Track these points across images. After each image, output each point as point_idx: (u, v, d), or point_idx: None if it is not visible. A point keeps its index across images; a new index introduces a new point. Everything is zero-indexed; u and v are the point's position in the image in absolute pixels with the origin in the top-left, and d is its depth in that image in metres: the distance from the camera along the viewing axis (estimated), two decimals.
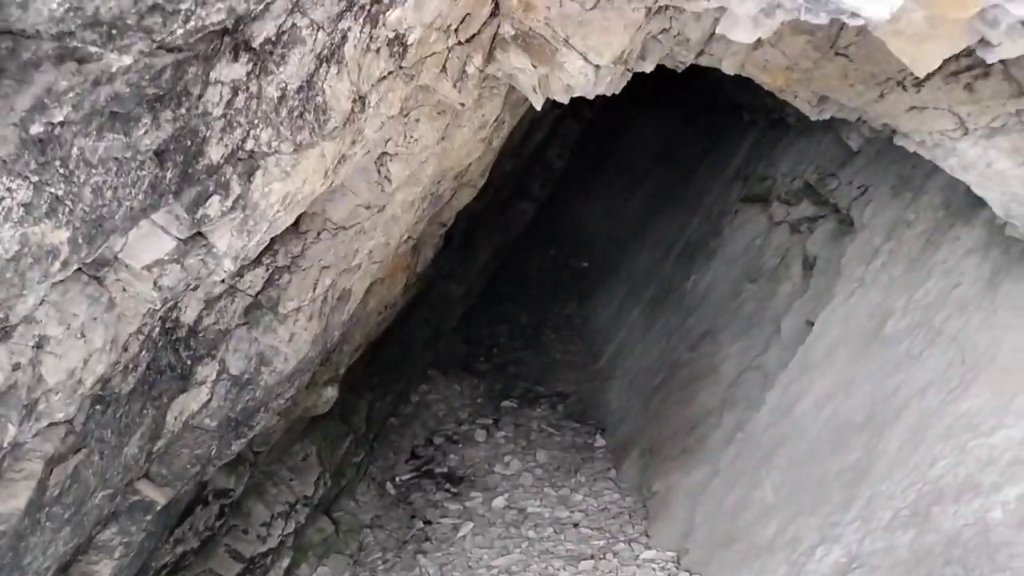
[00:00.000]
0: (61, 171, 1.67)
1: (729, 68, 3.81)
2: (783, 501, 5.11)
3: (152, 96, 1.74)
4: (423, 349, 9.77)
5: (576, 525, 6.89)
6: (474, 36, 2.84)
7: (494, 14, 2.83)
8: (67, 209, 1.71)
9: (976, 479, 3.73)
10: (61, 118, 1.60)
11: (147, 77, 1.70)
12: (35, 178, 1.62)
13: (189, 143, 1.92)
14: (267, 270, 3.09)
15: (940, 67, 3.62)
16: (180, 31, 1.68)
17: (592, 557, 6.19)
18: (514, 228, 11.88)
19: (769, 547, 4.97)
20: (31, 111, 1.54)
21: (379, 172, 3.18)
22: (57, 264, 1.76)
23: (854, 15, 1.84)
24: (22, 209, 1.62)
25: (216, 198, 2.12)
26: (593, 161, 16.95)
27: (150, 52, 1.65)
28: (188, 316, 2.74)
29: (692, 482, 6.58)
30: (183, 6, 1.65)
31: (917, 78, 3.73)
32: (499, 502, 7.48)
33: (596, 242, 16.18)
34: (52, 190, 1.67)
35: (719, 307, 9.06)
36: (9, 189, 1.57)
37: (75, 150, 1.67)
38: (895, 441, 4.45)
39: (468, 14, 2.66)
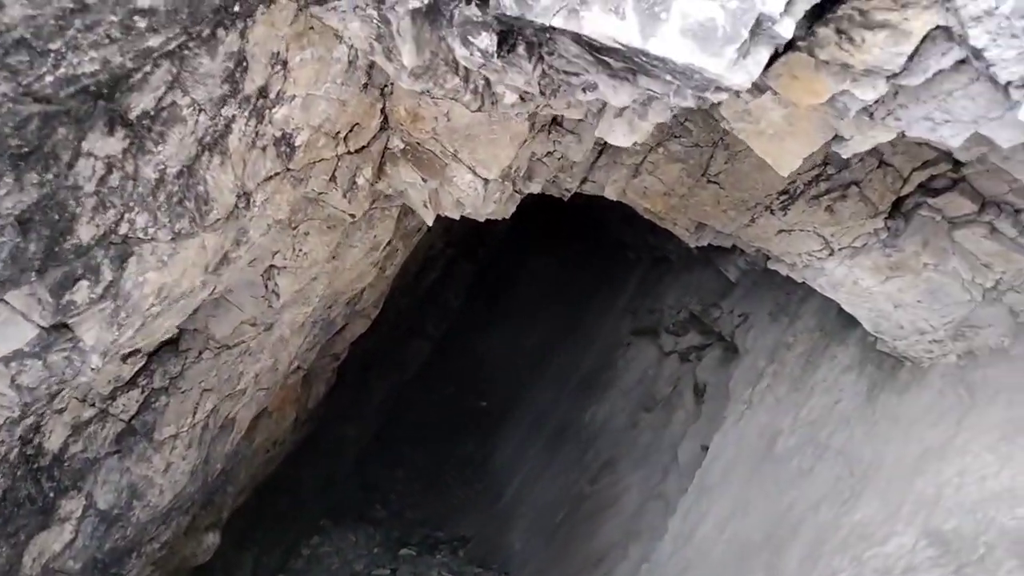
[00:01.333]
0: None
1: (612, 194, 4.00)
2: None
3: (16, 150, 1.64)
4: (315, 496, 9.30)
5: None
6: (364, 147, 2.89)
7: (384, 127, 2.91)
8: None
9: None
10: None
11: (10, 125, 1.60)
12: None
13: (57, 217, 1.81)
14: (142, 392, 2.89)
15: (803, 191, 3.93)
16: (49, 78, 1.61)
17: None
18: (410, 366, 11.74)
19: None
20: None
21: (266, 286, 3.10)
22: None
23: (717, 88, 1.97)
24: None
25: (85, 283, 1.98)
26: (489, 301, 17.18)
27: (15, 97, 1.57)
28: (53, 443, 2.51)
29: None
30: (52, 46, 1.57)
31: (783, 203, 4.02)
32: None
33: (495, 380, 16.14)
34: None
35: (617, 438, 9.09)
36: None
37: None
38: (794, 558, 4.45)
39: (357, 123, 2.72)
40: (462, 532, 10.33)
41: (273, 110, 2.25)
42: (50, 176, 1.74)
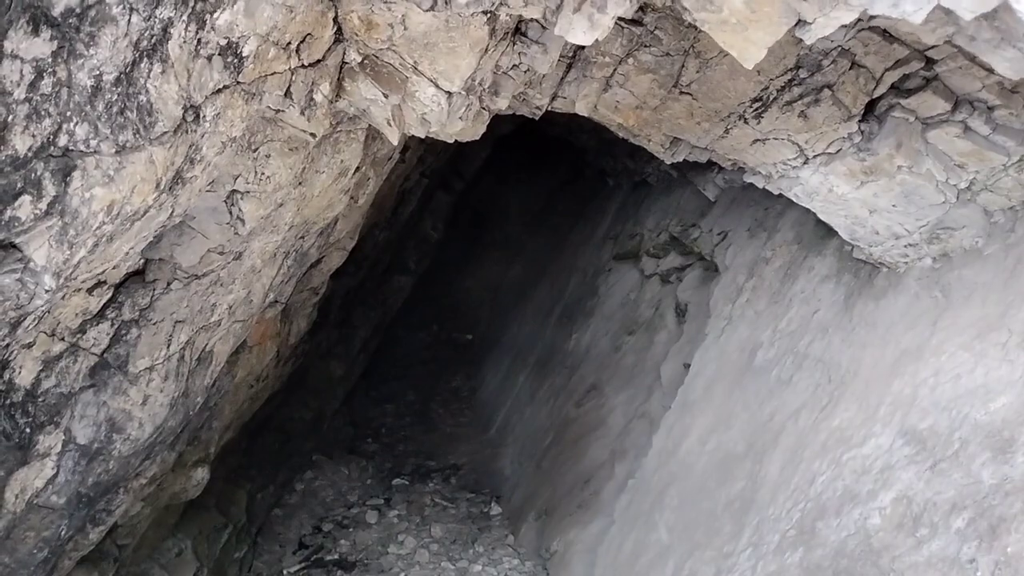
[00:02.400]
0: None
1: (583, 110, 3.94)
2: (677, 540, 5.11)
3: None
4: (306, 434, 9.38)
5: None
6: (319, 61, 2.79)
7: (339, 39, 2.81)
8: None
9: (853, 489, 3.84)
10: None
11: None
12: None
13: None
14: (112, 325, 2.85)
15: (775, 98, 3.87)
16: None
17: None
18: (393, 303, 11.74)
19: None
20: None
21: (230, 212, 3.01)
22: None
23: None
24: None
25: (27, 198, 1.91)
26: (469, 233, 17.15)
27: None
28: (24, 378, 2.48)
29: (589, 536, 6.51)
30: None
31: (757, 111, 3.97)
32: None
33: (479, 313, 16.24)
34: None
35: (601, 362, 9.19)
36: None
37: None
38: (776, 465, 4.55)
39: (309, 33, 2.62)
40: (453, 461, 10.50)
41: (214, 15, 2.15)
42: None
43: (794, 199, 4.52)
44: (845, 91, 3.56)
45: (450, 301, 16.72)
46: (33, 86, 1.80)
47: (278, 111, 2.79)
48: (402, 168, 7.03)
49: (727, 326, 6.18)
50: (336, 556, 8.01)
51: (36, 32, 1.73)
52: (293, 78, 2.72)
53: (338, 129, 3.28)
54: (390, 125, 3.04)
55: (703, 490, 5.15)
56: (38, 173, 1.90)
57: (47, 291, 2.02)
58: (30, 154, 1.85)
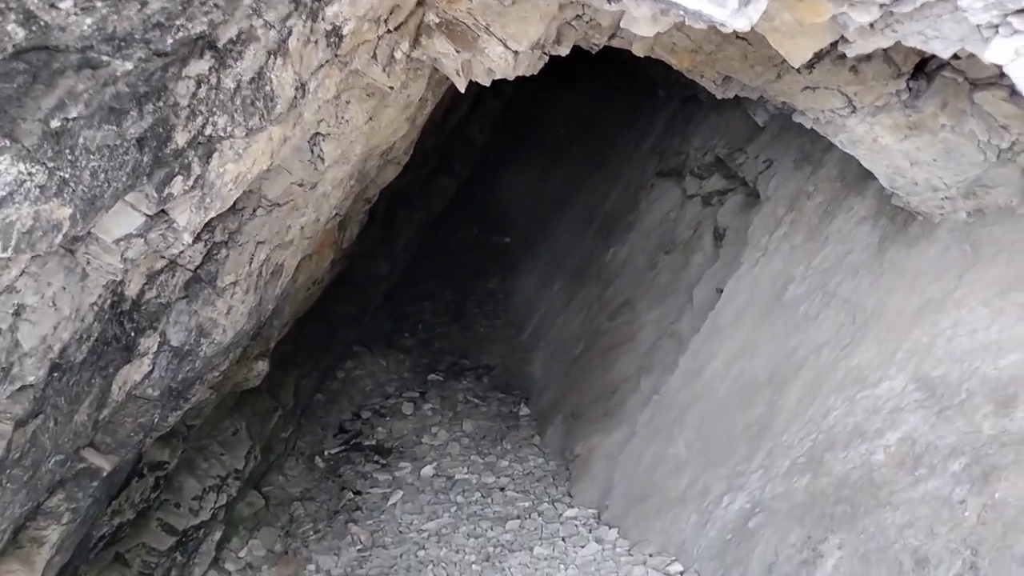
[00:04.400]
0: (69, 158, 1.93)
1: (639, 51, 4.05)
2: (694, 456, 5.48)
3: (142, 92, 1.98)
4: (348, 326, 9.85)
5: (502, 489, 7.15)
6: (402, 24, 3.00)
7: (420, 3, 3.00)
8: (71, 190, 1.97)
9: (863, 426, 4.13)
10: (75, 114, 1.87)
11: (142, 79, 1.97)
12: (50, 164, 1.88)
13: (161, 130, 2.11)
14: (206, 245, 3.20)
15: (828, 51, 3.95)
16: (170, 40, 1.96)
17: (518, 517, 6.46)
18: (436, 205, 11.99)
19: (681, 499, 5.33)
20: (53, 109, 1.81)
21: (312, 152, 3.32)
22: (60, 237, 2.01)
23: (722, 25, 2.16)
24: (38, 190, 1.89)
25: (180, 178, 2.29)
26: (514, 137, 17.07)
27: (146, 58, 1.92)
28: (131, 290, 2.84)
29: (612, 443, 6.92)
30: (178, 22, 1.94)
31: (809, 62, 4.05)
32: (427, 471, 7.68)
33: (518, 218, 16.31)
34: (61, 174, 1.92)
35: (636, 278, 9.40)
36: (30, 173, 1.85)
37: (80, 139, 1.92)
38: (794, 396, 4.83)
39: (397, 5, 2.82)
40: (486, 361, 10.92)
41: (326, 8, 2.39)
42: (160, 103, 1.97)
43: (839, 145, 4.64)
44: (897, 50, 3.63)
45: (491, 203, 16.81)
46: (194, 95, 2.10)
47: (362, 71, 3.01)
48: None
49: (762, 257, 6.35)
50: (373, 442, 8.56)
51: (202, 56, 2.05)
52: (379, 42, 2.92)
53: (409, 75, 3.48)
54: (459, 75, 3.23)
55: (723, 412, 5.47)
56: (189, 159, 2.22)
57: (184, 243, 2.37)
58: (186, 145, 2.16)
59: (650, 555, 5.15)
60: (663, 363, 7.45)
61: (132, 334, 2.96)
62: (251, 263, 3.48)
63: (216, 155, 2.41)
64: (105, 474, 3.17)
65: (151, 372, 3.24)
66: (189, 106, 2.17)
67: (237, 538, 6.59)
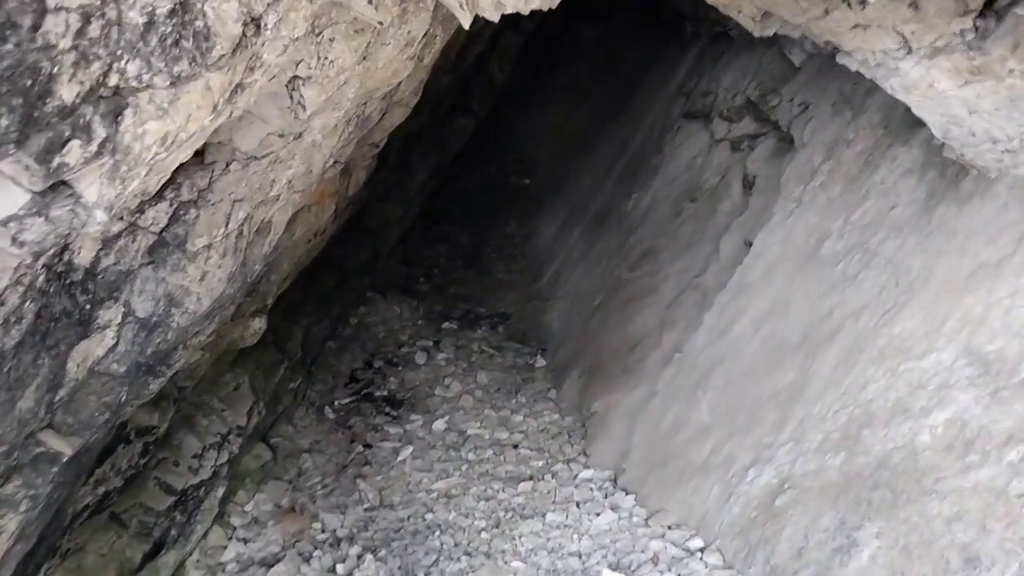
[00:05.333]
0: None
1: None
2: (718, 421, 5.18)
3: None
4: (360, 272, 9.56)
5: (516, 447, 6.93)
6: None
7: None
8: None
9: (906, 403, 3.78)
10: None
11: None
12: None
13: (29, 82, 1.65)
14: (171, 205, 2.81)
15: None
16: None
17: (531, 478, 6.23)
18: (453, 146, 11.55)
19: (703, 467, 5.05)
20: None
21: (292, 98, 2.88)
22: None
23: None
24: None
25: (75, 143, 1.83)
26: (534, 75, 16.53)
27: None
28: (83, 258, 2.50)
29: (631, 402, 6.64)
30: None
31: None
32: (439, 425, 7.47)
33: (538, 159, 15.93)
34: None
35: (660, 227, 9.01)
36: None
37: None
38: (829, 363, 4.49)
39: None
40: (502, 309, 10.65)
41: None
42: (10, 47, 1.55)
43: (888, 90, 4.18)
44: None
45: (510, 143, 16.39)
46: (80, 33, 1.67)
47: (346, 3, 2.59)
48: None
49: (796, 208, 5.94)
50: (385, 392, 8.36)
51: None
52: None
53: (406, 9, 3.06)
54: (463, 8, 2.82)
55: (750, 375, 5.14)
56: (87, 118, 1.80)
57: (99, 223, 1.98)
58: (78, 100, 1.75)
59: (669, 527, 4.89)
60: (686, 318, 7.12)
61: (88, 307, 2.62)
62: (228, 223, 3.10)
63: (129, 112, 1.92)
64: (67, 458, 2.90)
65: (115, 346, 2.91)
66: (75, 48, 1.69)
67: (243, 491, 6.44)
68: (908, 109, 5.36)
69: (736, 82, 9.19)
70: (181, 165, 2.58)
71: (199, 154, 2.87)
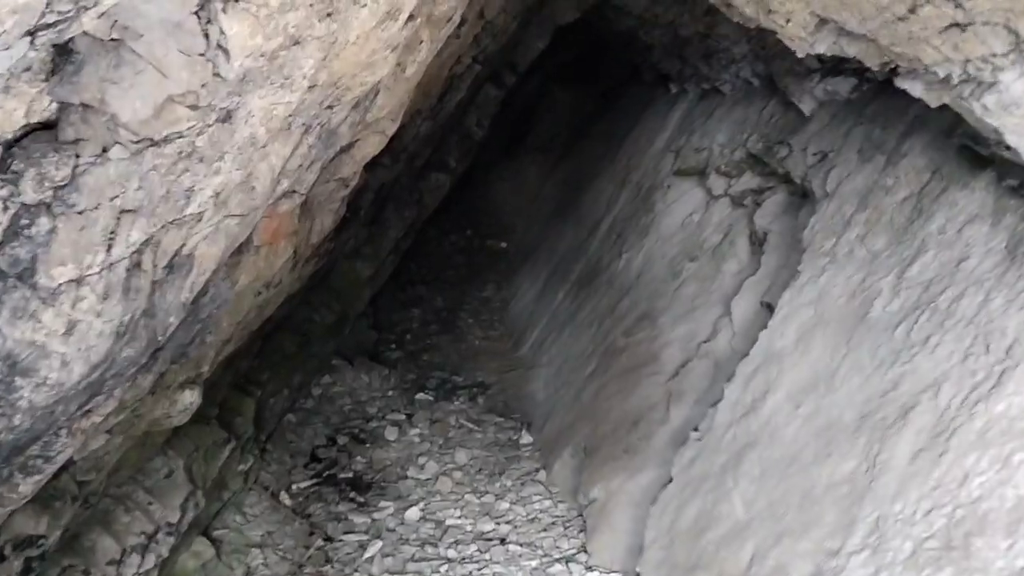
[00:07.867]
0: None
1: None
2: (759, 519, 4.26)
3: None
4: (325, 336, 8.61)
5: (503, 540, 5.94)
6: None
7: None
8: None
9: None
10: None
11: None
12: None
13: None
14: (4, 209, 1.83)
15: None
16: None
17: None
18: (429, 202, 10.76)
19: None
20: None
21: (206, 35, 1.87)
22: None
23: None
24: None
25: None
26: (512, 132, 16.14)
27: None
28: None
29: (637, 488, 5.72)
30: None
31: None
32: (413, 513, 6.47)
33: (515, 221, 15.39)
34: None
35: (656, 288, 8.26)
36: None
37: None
38: (905, 449, 3.63)
39: None
40: (481, 379, 9.76)
41: None
42: None
43: (975, 111, 3.44)
44: None
45: (486, 204, 15.83)
46: None
47: None
48: (456, 45, 5.95)
49: (829, 264, 5.18)
50: (350, 474, 7.36)
51: None
52: None
53: None
54: None
55: (796, 463, 4.27)
56: None
57: None
58: None
59: None
60: (697, 389, 6.29)
61: None
62: (110, 247, 2.07)
63: None
64: None
65: None
66: None
67: None
68: (962, 149, 4.70)
69: (733, 136, 8.66)
70: (16, 140, 1.63)
71: (51, 127, 1.89)
